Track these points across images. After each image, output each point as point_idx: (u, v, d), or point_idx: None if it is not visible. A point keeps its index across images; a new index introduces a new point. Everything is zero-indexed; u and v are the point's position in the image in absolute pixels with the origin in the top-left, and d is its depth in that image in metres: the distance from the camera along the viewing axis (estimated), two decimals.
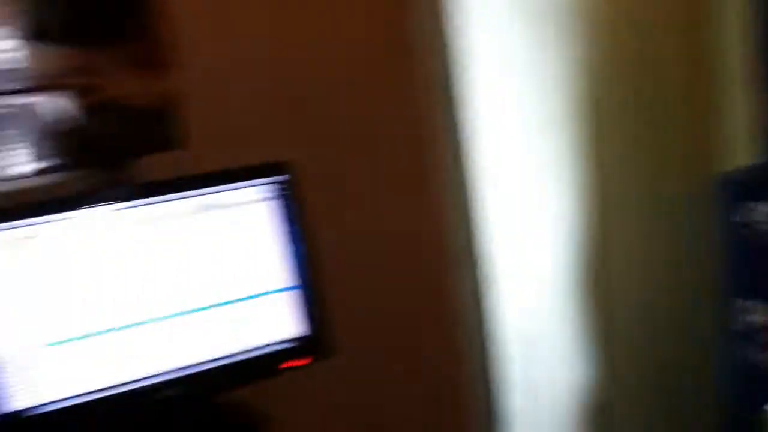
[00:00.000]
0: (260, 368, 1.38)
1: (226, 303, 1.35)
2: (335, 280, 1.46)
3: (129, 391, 1.29)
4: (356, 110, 1.61)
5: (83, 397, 1.26)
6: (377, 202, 1.66)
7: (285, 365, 1.39)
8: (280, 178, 1.36)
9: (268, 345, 1.38)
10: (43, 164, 1.33)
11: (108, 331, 1.27)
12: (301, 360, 1.41)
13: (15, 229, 1.19)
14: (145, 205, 1.28)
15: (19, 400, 1.23)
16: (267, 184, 1.35)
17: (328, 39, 1.57)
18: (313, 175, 1.42)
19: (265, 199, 1.36)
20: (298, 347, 1.40)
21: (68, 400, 1.26)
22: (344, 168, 1.60)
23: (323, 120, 1.58)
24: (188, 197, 1.31)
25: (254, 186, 1.35)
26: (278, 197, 1.36)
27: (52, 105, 1.33)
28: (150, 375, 1.30)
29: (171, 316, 1.31)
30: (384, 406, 1.68)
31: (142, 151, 1.36)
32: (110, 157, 1.33)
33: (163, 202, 1.30)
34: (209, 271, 1.33)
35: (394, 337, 1.68)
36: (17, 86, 1.30)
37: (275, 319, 1.38)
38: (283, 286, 1.38)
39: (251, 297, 1.36)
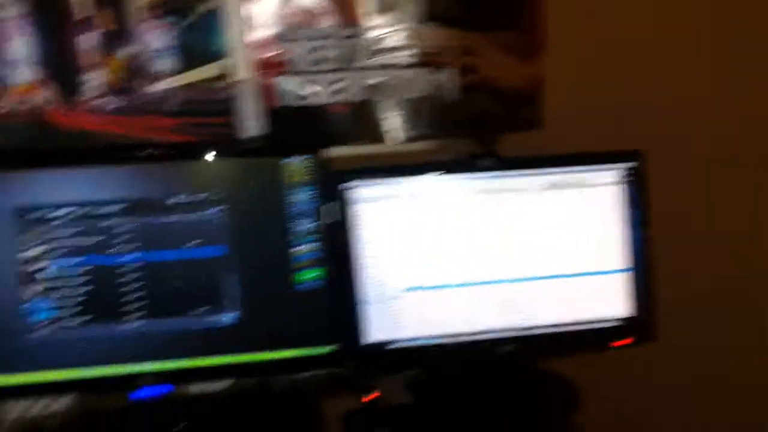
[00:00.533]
0: (587, 342, 1.46)
1: (565, 276, 1.44)
2: (664, 268, 1.49)
3: (470, 341, 1.44)
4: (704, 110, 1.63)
5: (430, 339, 1.43)
6: (713, 201, 1.67)
7: (612, 343, 1.46)
8: (630, 165, 1.43)
9: (597, 321, 1.46)
10: (420, 131, 1.51)
11: (459, 285, 1.42)
12: (625, 339, 1.47)
13: (389, 186, 1.37)
14: (505, 177, 1.41)
15: (379, 333, 1.42)
16: (617, 169, 1.42)
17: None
18: (657, 165, 1.47)
19: (613, 183, 1.43)
20: (623, 327, 1.46)
21: (417, 340, 1.43)
22: (687, 162, 1.63)
23: (668, 118, 1.62)
24: (543, 174, 1.42)
25: (604, 170, 1.42)
26: (626, 183, 1.43)
27: (433, 80, 1.50)
28: (489, 330, 1.44)
29: (514, 281, 1.43)
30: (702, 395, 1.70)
31: (507, 128, 1.49)
32: (479, 131, 1.48)
33: (521, 176, 1.42)
34: (554, 243, 1.44)
35: (710, 333, 1.69)
36: (405, 61, 1.49)
37: (607, 298, 1.45)
38: (619, 267, 1.45)
39: (589, 273, 1.44)
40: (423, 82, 1.50)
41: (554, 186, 1.43)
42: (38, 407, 1.43)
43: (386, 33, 1.47)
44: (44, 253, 1.28)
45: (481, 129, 1.48)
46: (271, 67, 1.44)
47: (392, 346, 1.43)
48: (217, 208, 1.33)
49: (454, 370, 1.49)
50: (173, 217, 1.32)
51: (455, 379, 1.50)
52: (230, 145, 1.44)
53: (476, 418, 1.40)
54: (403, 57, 1.49)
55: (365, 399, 1.45)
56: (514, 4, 1.51)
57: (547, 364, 1.53)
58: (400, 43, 1.48)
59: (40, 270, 1.28)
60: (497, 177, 1.42)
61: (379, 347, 1.42)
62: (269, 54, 1.44)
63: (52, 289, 1.29)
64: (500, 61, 1.51)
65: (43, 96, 1.36)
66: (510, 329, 1.45)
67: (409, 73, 1.50)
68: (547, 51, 1.53)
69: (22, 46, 1.33)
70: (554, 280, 1.45)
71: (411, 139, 1.52)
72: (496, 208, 1.43)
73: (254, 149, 1.44)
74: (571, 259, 1.45)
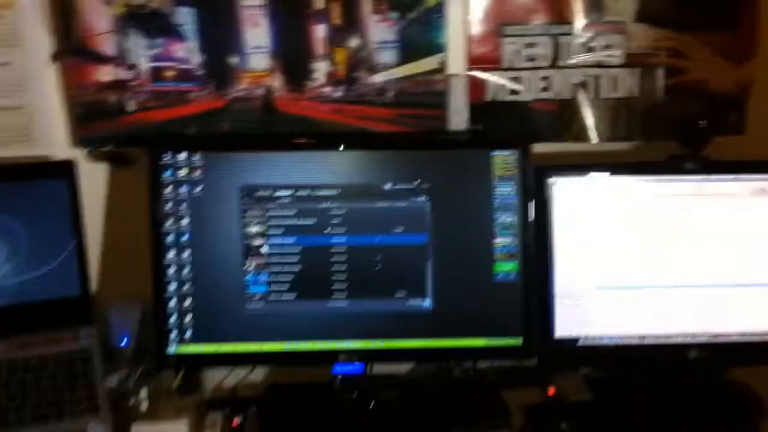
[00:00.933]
0: None
1: (757, 285, 1.44)
2: None
3: (657, 344, 1.45)
4: None
5: (617, 339, 1.45)
6: None
7: None
8: None
9: None
10: (623, 131, 1.53)
11: (651, 287, 1.43)
12: None
13: (590, 184, 1.41)
14: (711, 181, 1.41)
15: (567, 329, 1.45)
16: None
17: None
18: None
19: None
20: None
21: (604, 339, 1.46)
22: None
23: None
24: (752, 180, 1.41)
25: None
26: None
27: (639, 80, 1.51)
28: (678, 334, 1.45)
29: (709, 286, 1.43)
30: None
31: (713, 132, 1.48)
32: (684, 133, 1.47)
33: (723, 180, 1.42)
34: (754, 251, 1.43)
35: None
36: (612, 61, 1.50)
37: None
38: None
39: None
40: (629, 82, 1.51)
41: (763, 192, 1.42)
42: (237, 377, 1.54)
43: (596, 32, 1.48)
44: (264, 230, 1.37)
45: (686, 132, 1.47)
46: (483, 63, 1.48)
47: (579, 343, 1.46)
48: (424, 197, 1.38)
49: (638, 371, 1.51)
50: (383, 204, 1.39)
51: (638, 380, 1.52)
52: (441, 137, 1.50)
53: (660, 421, 1.42)
54: (611, 56, 1.50)
55: (551, 392, 1.49)
56: (728, 6, 1.49)
57: (733, 374, 1.53)
58: (608, 43, 1.49)
59: (260, 245, 1.38)
60: (703, 181, 1.42)
61: (567, 343, 1.46)
62: (482, 50, 1.47)
63: (269, 264, 1.39)
64: (711, 63, 1.50)
65: (273, 83, 1.44)
66: (700, 335, 1.45)
67: (616, 72, 1.51)
68: (757, 56, 1.51)
69: (259, 34, 1.42)
70: (746, 288, 1.44)
71: (613, 139, 1.53)
72: (698, 211, 1.43)
73: (463, 141, 1.50)
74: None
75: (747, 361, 1.49)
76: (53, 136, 1.47)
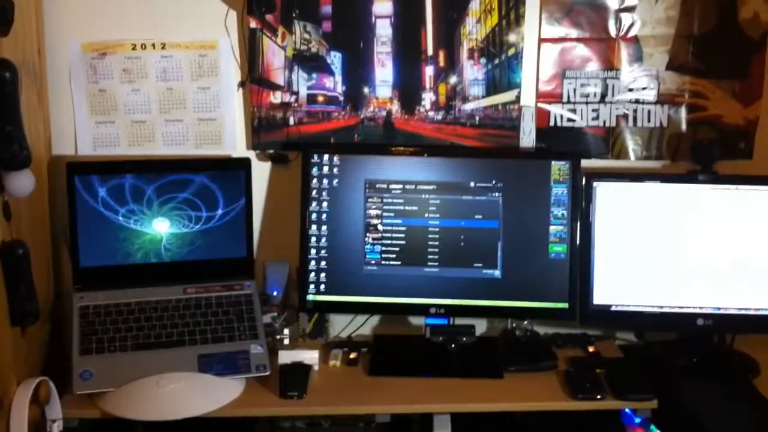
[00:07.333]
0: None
1: (754, 270, 1.87)
2: None
3: (674, 313, 1.89)
4: None
5: (643, 307, 1.90)
6: None
7: None
8: None
9: None
10: (654, 152, 2.01)
11: (670, 267, 1.89)
12: None
13: (624, 187, 1.89)
14: (714, 189, 1.87)
15: (604, 298, 1.91)
16: None
17: None
18: None
19: None
20: None
21: (632, 306, 1.91)
22: None
23: None
24: (745, 189, 1.86)
25: None
26: None
27: (668, 113, 1.98)
28: (690, 306, 1.89)
29: (713, 269, 1.88)
30: None
31: (723, 156, 1.93)
32: (701, 155, 1.93)
33: (726, 189, 1.86)
34: (749, 241, 1.87)
35: None
36: (648, 99, 1.97)
37: None
38: None
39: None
40: (660, 115, 1.97)
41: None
42: (351, 329, 2.04)
43: (635, 77, 1.96)
44: (380, 213, 1.90)
45: (704, 153, 1.92)
46: (548, 97, 1.98)
47: (612, 309, 1.91)
48: (498, 193, 1.88)
49: (659, 336, 1.95)
50: (467, 197, 1.89)
51: (661, 344, 1.97)
52: (513, 150, 2.00)
53: (673, 374, 1.86)
54: (647, 95, 1.96)
55: (591, 349, 1.94)
56: (740, 59, 1.94)
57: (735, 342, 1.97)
58: (645, 85, 1.96)
59: (376, 224, 1.90)
60: (712, 189, 1.87)
61: (602, 308, 1.91)
62: (548, 88, 1.97)
63: (382, 238, 1.90)
64: (725, 103, 1.95)
65: (393, 107, 1.98)
66: (706, 307, 1.88)
67: (650, 107, 1.97)
68: (764, 96, 1.95)
69: (385, 72, 1.96)
70: (748, 271, 1.88)
71: (646, 157, 2.00)
72: (707, 210, 1.87)
73: (530, 154, 1.99)
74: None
75: (744, 329, 1.92)
76: (236, 141, 2.00)
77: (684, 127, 1.98)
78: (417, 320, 2.03)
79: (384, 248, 1.91)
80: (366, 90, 1.97)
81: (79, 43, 1.92)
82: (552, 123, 1.99)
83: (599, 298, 1.91)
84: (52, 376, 1.70)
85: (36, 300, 1.68)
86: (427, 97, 1.97)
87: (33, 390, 1.60)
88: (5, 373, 1.59)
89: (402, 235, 1.90)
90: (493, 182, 1.88)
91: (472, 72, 1.95)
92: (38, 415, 1.66)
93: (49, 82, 1.90)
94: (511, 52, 1.94)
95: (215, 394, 1.71)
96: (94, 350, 1.75)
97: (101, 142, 1.97)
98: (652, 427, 1.70)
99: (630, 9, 1.93)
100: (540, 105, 1.98)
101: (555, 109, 1.98)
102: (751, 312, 1.88)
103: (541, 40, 1.95)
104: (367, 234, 1.90)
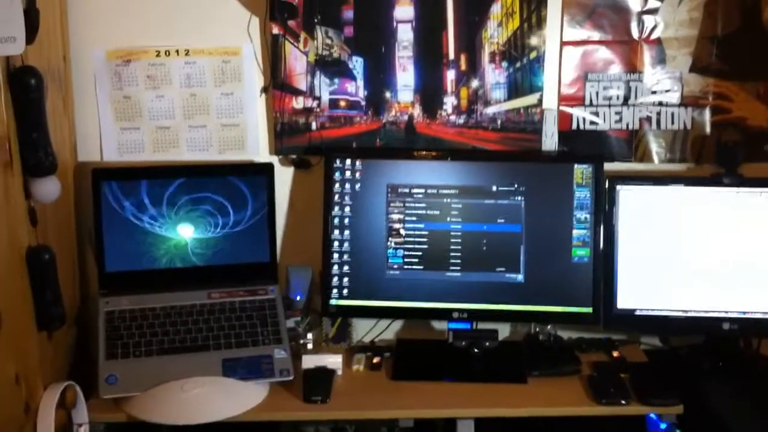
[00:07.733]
0: None
1: None
2: None
3: (700, 317, 1.88)
4: None
5: (668, 311, 1.90)
6: None
7: None
8: None
9: None
10: (677, 155, 2.00)
11: (694, 271, 1.87)
12: None
13: (647, 191, 1.88)
14: (740, 192, 1.86)
15: (627, 302, 1.90)
16: None
17: None
18: None
19: None
20: None
21: (657, 311, 1.90)
22: None
23: None
24: None
25: None
26: None
27: (692, 116, 1.96)
28: (715, 310, 1.88)
29: (737, 273, 1.86)
30: None
31: (748, 158, 1.92)
32: (726, 157, 1.91)
33: (751, 192, 1.86)
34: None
35: None
36: (671, 101, 1.96)
37: None
38: None
39: None
40: (684, 117, 1.96)
41: None
42: (374, 334, 2.05)
43: (659, 79, 1.95)
44: (402, 217, 1.90)
45: (728, 155, 1.91)
46: (571, 100, 1.97)
47: (636, 314, 1.90)
48: (520, 197, 1.88)
49: (684, 340, 1.94)
50: (489, 201, 1.89)
51: (687, 348, 1.96)
52: (536, 154, 2.00)
53: (698, 376, 1.85)
54: (670, 98, 1.95)
55: (615, 354, 1.94)
56: (764, 60, 1.92)
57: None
58: (668, 88, 1.95)
59: (399, 228, 1.90)
60: (737, 192, 1.86)
61: (626, 313, 1.91)
62: (570, 91, 1.97)
63: (404, 243, 1.91)
64: (749, 105, 1.93)
65: (414, 111, 1.98)
66: (732, 311, 1.87)
67: (673, 110, 1.96)
68: None
69: (406, 76, 1.97)
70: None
71: (670, 160, 1.99)
72: (731, 213, 1.86)
73: (553, 157, 1.99)
74: None
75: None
76: (259, 146, 2.01)
77: (708, 129, 1.97)
78: (440, 325, 2.03)
79: (406, 253, 1.91)
80: (388, 94, 1.98)
81: (104, 50, 1.95)
82: (574, 126, 1.99)
83: (623, 302, 1.91)
84: (78, 380, 1.72)
85: (62, 305, 1.69)
86: (449, 101, 1.97)
87: (59, 394, 1.62)
88: (32, 378, 1.61)
89: (424, 240, 1.91)
90: (516, 186, 1.88)
91: (494, 75, 1.95)
92: (64, 419, 1.68)
93: (74, 89, 1.92)
94: (533, 55, 1.94)
95: (239, 398, 1.72)
96: (119, 355, 1.77)
97: (126, 148, 1.99)
98: None
99: (653, 11, 1.92)
100: (562, 108, 1.98)
101: (577, 112, 1.98)
102: None
103: (563, 43, 1.95)
104: (390, 238, 1.91)
